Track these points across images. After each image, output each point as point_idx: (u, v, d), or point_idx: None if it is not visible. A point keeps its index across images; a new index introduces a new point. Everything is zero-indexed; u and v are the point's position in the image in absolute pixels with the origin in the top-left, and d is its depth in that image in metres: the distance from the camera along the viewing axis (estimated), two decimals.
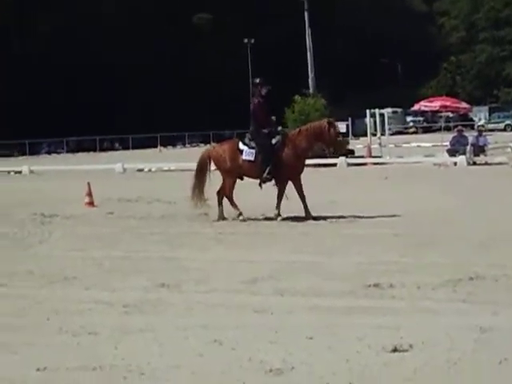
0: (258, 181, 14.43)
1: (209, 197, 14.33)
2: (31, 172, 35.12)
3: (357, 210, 14.42)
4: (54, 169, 34.93)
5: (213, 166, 14.77)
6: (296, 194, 14.10)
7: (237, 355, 5.76)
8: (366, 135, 40.73)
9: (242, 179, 14.69)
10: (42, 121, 68.72)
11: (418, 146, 41.59)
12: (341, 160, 30.78)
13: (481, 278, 8.04)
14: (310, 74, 42.03)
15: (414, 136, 65.61)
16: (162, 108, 76.98)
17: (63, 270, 9.45)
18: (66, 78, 72.50)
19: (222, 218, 14.14)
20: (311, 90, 39.14)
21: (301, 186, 14.16)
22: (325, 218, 13.68)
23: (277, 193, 14.22)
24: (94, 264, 9.92)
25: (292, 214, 14.20)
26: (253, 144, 14.22)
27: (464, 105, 47.68)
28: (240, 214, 14.06)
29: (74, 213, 15.51)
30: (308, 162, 31.26)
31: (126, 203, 16.51)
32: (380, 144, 36.55)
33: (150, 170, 32.97)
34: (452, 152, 30.52)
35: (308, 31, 43.08)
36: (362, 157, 34.47)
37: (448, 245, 10.43)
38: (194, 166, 15.02)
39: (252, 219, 14.02)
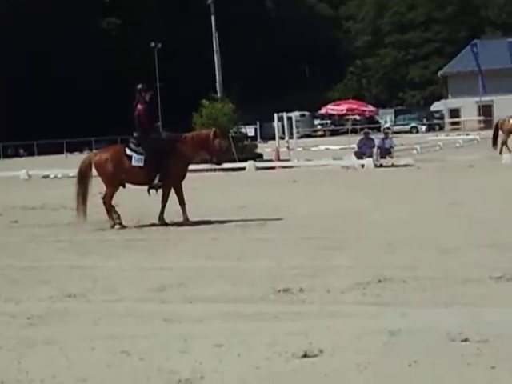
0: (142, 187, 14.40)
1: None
2: None
3: (266, 214, 14.45)
4: None
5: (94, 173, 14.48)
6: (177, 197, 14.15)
7: (145, 366, 5.64)
8: (274, 139, 41.03)
9: (124, 186, 14.53)
10: None
11: (326, 149, 42.06)
12: (249, 164, 30.90)
13: (389, 280, 8.13)
14: (218, 78, 42.01)
15: (321, 139, 66.52)
16: (67, 113, 75.84)
17: None
18: None
19: (116, 223, 13.96)
20: (219, 95, 39.12)
21: (181, 190, 14.22)
22: (234, 223, 13.64)
23: (161, 198, 14.19)
24: None
25: (200, 219, 14.14)
26: (141, 150, 14.12)
27: (370, 108, 48.44)
28: (115, 224, 13.89)
29: None
30: (217, 166, 31.43)
31: (31, 211, 16.14)
32: (288, 147, 36.87)
33: (55, 177, 32.30)
34: (359, 154, 30.98)
35: (215, 35, 43.04)
36: (270, 160, 34.68)
37: (356, 247, 10.53)
38: None
39: (162, 225, 13.89)
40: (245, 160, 31.82)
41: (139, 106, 14.39)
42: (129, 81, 77.02)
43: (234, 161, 32.19)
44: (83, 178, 14.34)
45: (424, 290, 7.64)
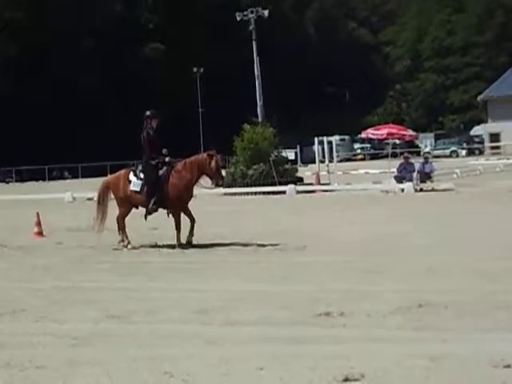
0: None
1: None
2: None
3: (306, 238, 14.48)
4: (3, 198, 34.42)
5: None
6: (188, 220, 14.44)
7: None
8: (314, 162, 41.05)
9: (136, 208, 15.07)
10: None
11: (366, 173, 41.98)
12: (290, 187, 30.97)
13: (430, 304, 8.11)
14: (259, 103, 42.27)
15: (361, 163, 66.31)
16: (111, 136, 76.61)
17: (11, 303, 9.30)
18: (13, 109, 71.80)
19: (127, 243, 14.58)
20: (260, 119, 39.33)
21: (179, 216, 14.53)
22: (274, 246, 13.70)
23: (174, 224, 14.59)
24: (43, 295, 9.78)
25: (240, 241, 14.22)
26: (141, 175, 14.68)
27: (410, 132, 48.10)
28: (127, 243, 14.53)
29: (22, 243, 15.32)
30: (257, 189, 31.56)
31: (75, 233, 16.36)
32: (328, 171, 36.87)
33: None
34: (399, 179, 30.89)
35: (256, 60, 43.35)
36: (310, 184, 34.70)
37: (396, 271, 10.52)
38: None
39: (202, 247, 14.00)
40: (285, 184, 31.91)
41: (144, 133, 14.87)
42: (172, 106, 78.02)
43: (274, 184, 32.32)
44: (102, 199, 15.13)
45: (465, 315, 7.61)
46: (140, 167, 14.92)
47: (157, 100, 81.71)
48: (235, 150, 35.07)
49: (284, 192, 30.53)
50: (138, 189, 14.63)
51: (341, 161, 56.15)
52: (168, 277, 11.04)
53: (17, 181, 68.03)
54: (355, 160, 77.34)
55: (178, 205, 14.59)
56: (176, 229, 14.44)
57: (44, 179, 67.87)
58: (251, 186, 32.60)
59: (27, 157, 68.40)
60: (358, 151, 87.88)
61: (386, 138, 48.83)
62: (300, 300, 8.75)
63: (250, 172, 34.19)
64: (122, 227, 14.81)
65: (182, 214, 14.53)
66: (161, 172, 14.63)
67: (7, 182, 66.79)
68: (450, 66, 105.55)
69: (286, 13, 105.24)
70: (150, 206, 14.60)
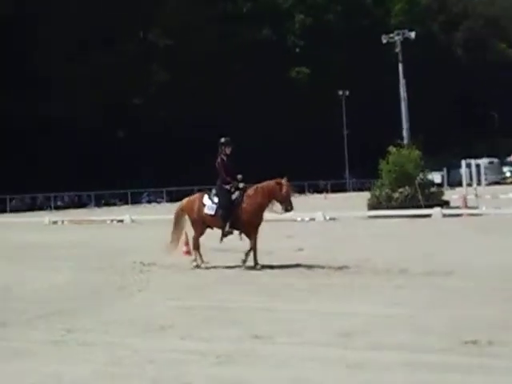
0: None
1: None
2: (132, 221, 35.99)
3: (453, 262, 14.16)
4: (154, 218, 35.51)
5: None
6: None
7: None
8: (461, 185, 40.18)
9: (212, 228, 15.79)
10: (144, 172, 70.69)
11: None
12: (436, 210, 30.39)
13: None
14: (405, 125, 41.83)
15: (510, 186, 64.21)
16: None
17: (160, 319, 9.58)
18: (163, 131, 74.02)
19: (201, 262, 15.52)
20: (405, 141, 38.90)
21: (255, 237, 15.09)
22: (419, 270, 13.45)
23: (249, 248, 15.07)
24: (190, 313, 10.02)
25: (386, 265, 14.05)
26: (215, 199, 15.33)
27: None
28: (198, 263, 15.47)
29: (171, 262, 15.76)
30: (402, 212, 31.11)
31: (222, 252, 16.65)
32: (476, 194, 35.95)
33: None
34: None
35: (402, 82, 43.00)
36: (457, 207, 33.94)
37: None
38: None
39: (346, 269, 13.93)
40: (431, 207, 31.36)
41: (218, 159, 15.49)
42: (317, 128, 78.34)
43: (420, 207, 31.81)
44: (177, 220, 16.09)
45: None
46: (214, 191, 15.57)
47: (303, 121, 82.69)
48: (380, 172, 34.81)
49: (430, 215, 29.98)
50: (212, 212, 15.36)
51: (489, 184, 54.64)
52: (311, 298, 11.05)
53: (167, 201, 69.64)
54: (504, 183, 75.04)
55: (249, 228, 15.15)
56: (253, 250, 14.99)
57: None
58: (396, 208, 32.22)
59: (176, 178, 70.39)
60: (508, 174, 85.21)
61: None
62: (446, 326, 8.55)
63: (396, 195, 33.83)
64: (196, 247, 15.73)
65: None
66: (234, 196, 15.23)
67: (158, 203, 68.90)
68: None
69: (434, 34, 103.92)
70: (226, 229, 15.31)
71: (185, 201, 16.37)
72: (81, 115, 67.25)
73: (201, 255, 15.65)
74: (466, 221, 28.70)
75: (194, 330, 8.85)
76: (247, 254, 15.03)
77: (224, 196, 15.27)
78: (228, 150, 15.53)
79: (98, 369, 7.25)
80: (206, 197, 15.60)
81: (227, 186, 15.32)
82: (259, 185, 15.38)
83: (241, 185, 15.31)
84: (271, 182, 15.27)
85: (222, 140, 15.65)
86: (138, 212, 43.90)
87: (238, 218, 15.11)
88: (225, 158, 15.45)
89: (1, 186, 59.87)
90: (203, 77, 76.55)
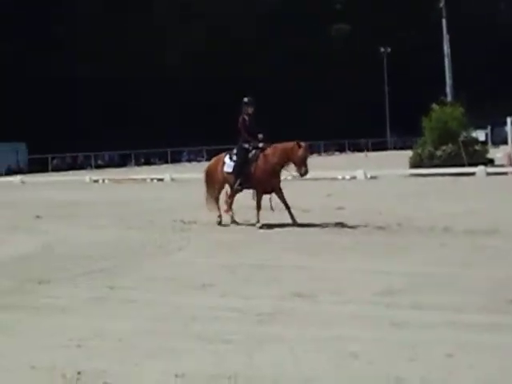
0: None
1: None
2: (172, 180, 36.13)
3: (496, 221, 13.95)
4: (194, 177, 35.60)
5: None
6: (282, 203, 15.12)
7: (373, 370, 5.62)
8: (506, 143, 39.58)
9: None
10: (184, 130, 70.76)
11: None
12: (480, 169, 30.01)
13: None
14: (448, 82, 41.18)
15: None
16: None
17: (201, 277, 9.58)
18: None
19: (233, 221, 15.71)
20: (449, 98, 38.31)
21: (282, 195, 15.15)
22: (463, 228, 13.27)
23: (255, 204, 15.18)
24: (230, 271, 10.01)
25: (429, 223, 13.89)
26: (234, 157, 15.56)
27: None
28: (220, 218, 15.64)
29: (211, 220, 15.75)
30: (445, 170, 30.76)
31: (262, 211, 16.57)
32: None
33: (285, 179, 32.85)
34: None
35: (446, 38, 42.23)
36: (502, 166, 33.47)
37: None
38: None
39: (386, 228, 13.80)
40: (475, 165, 30.96)
41: (240, 118, 15.58)
42: (359, 86, 77.54)
43: (463, 166, 31.43)
44: (207, 181, 16.26)
45: None
46: (235, 150, 15.71)
47: (339, 79, 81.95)
48: (423, 129, 34.41)
49: (473, 174, 29.62)
50: (230, 170, 15.55)
51: None
52: (352, 257, 10.97)
53: (207, 160, 69.64)
54: None
55: (260, 186, 15.18)
56: (256, 208, 15.02)
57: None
58: (439, 166, 31.88)
59: (217, 136, 70.38)
60: None
61: None
62: (489, 285, 8.44)
63: (438, 153, 33.46)
64: (229, 205, 15.88)
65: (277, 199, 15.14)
66: (250, 155, 15.32)
67: (198, 161, 68.95)
68: None
69: None
70: (236, 185, 15.45)
71: (212, 161, 16.71)
72: (126, 77, 67.69)
73: (233, 213, 15.80)
74: (510, 179, 28.32)
75: (234, 288, 8.84)
76: (291, 214, 14.89)
77: (240, 153, 15.45)
78: (250, 110, 15.61)
79: (141, 325, 7.27)
80: (227, 156, 15.80)
81: (246, 145, 15.45)
82: (278, 144, 15.31)
83: (260, 144, 15.32)
84: (290, 143, 15.16)
85: (245, 100, 15.73)
86: (178, 171, 44.04)
87: (251, 176, 15.20)
88: (247, 118, 15.53)
89: (42, 147, 60.50)
90: (241, 37, 76.12)
